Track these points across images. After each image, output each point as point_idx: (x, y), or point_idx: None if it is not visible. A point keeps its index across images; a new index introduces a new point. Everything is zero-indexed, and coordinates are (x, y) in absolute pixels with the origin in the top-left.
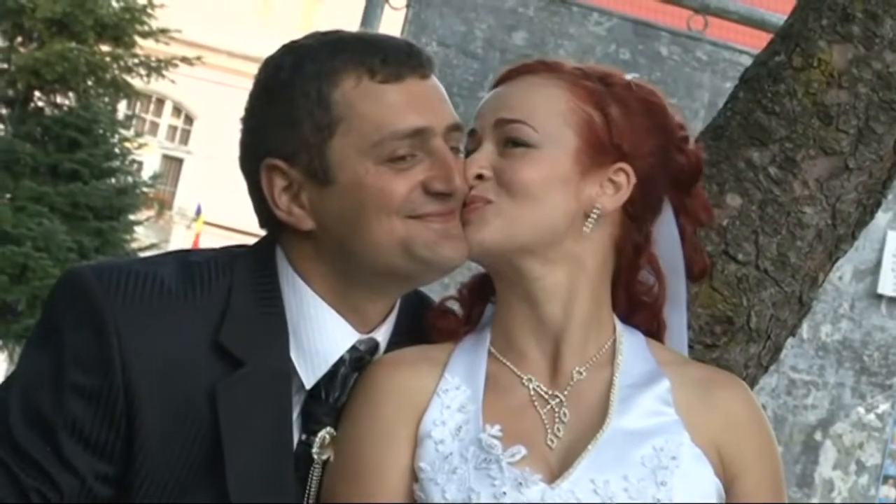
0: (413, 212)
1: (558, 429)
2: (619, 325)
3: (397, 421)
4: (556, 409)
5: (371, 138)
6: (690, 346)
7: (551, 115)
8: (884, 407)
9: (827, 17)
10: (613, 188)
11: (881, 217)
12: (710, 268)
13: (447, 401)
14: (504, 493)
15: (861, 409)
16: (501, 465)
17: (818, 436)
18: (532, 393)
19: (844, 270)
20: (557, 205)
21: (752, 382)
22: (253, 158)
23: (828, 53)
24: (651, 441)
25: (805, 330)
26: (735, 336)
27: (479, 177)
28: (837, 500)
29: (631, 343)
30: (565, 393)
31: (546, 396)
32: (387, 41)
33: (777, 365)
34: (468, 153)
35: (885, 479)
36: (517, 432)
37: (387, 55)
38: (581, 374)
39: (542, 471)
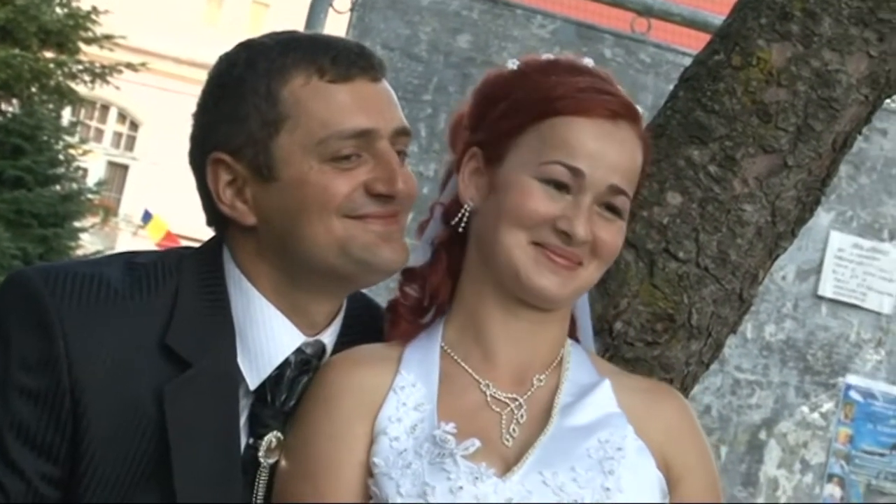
0: (353, 212)
1: (514, 429)
2: (567, 340)
3: (353, 418)
4: (515, 411)
5: (316, 136)
6: (631, 344)
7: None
8: (827, 406)
9: (766, 15)
10: None
11: (824, 217)
12: (651, 266)
13: (403, 398)
14: (461, 487)
15: (805, 409)
16: (456, 458)
17: (763, 435)
18: (489, 398)
19: (788, 270)
20: None
21: (694, 380)
22: (201, 152)
23: (767, 52)
24: (597, 434)
25: (749, 330)
26: (676, 333)
27: (584, 242)
28: (782, 499)
29: (575, 353)
30: (524, 397)
31: (505, 400)
32: (339, 42)
33: (721, 365)
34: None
35: (830, 477)
36: (472, 431)
37: (337, 55)
38: (541, 381)
39: (497, 465)
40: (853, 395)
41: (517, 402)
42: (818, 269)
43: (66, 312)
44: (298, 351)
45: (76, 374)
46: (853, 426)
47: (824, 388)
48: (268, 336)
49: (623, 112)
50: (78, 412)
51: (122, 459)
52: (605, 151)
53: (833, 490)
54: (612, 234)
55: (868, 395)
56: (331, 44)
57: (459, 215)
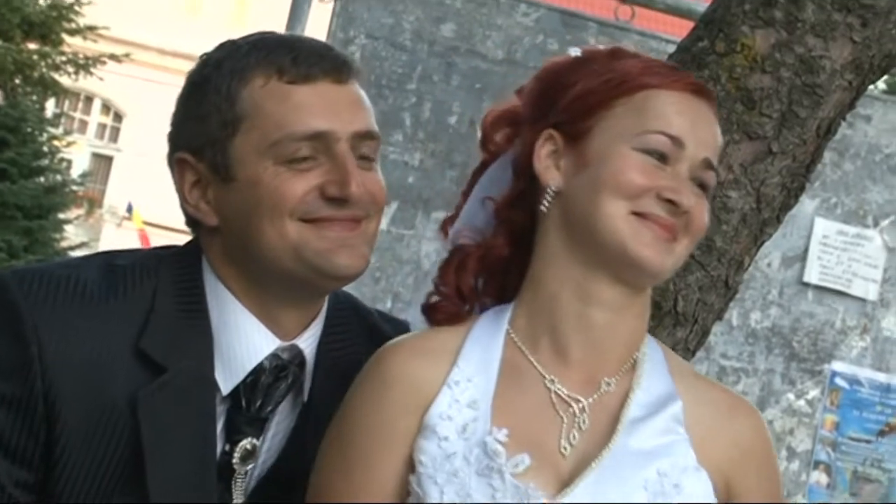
0: (307, 215)
1: (574, 435)
2: (647, 337)
3: (399, 413)
4: (578, 415)
5: (271, 137)
6: None
7: None
8: (813, 393)
9: (749, 2)
10: None
11: (808, 204)
12: None
13: (457, 394)
14: None
15: (791, 396)
16: (504, 475)
17: None
18: (553, 395)
19: (773, 258)
20: None
21: None
22: (171, 152)
23: (751, 38)
24: (656, 463)
25: (734, 317)
26: (662, 320)
27: (685, 212)
28: None
29: (652, 357)
30: (590, 400)
31: (568, 400)
32: (304, 43)
33: (707, 352)
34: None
35: (816, 464)
36: (528, 435)
37: (298, 56)
38: (609, 385)
39: (549, 479)
40: (839, 381)
41: (581, 405)
42: (803, 256)
43: (40, 316)
44: (273, 356)
45: (50, 380)
46: (839, 413)
47: (810, 375)
48: (241, 340)
49: (704, 90)
50: (51, 417)
51: (96, 464)
52: (697, 125)
53: (819, 477)
54: (703, 210)
55: (854, 381)
56: (294, 45)
57: (546, 199)
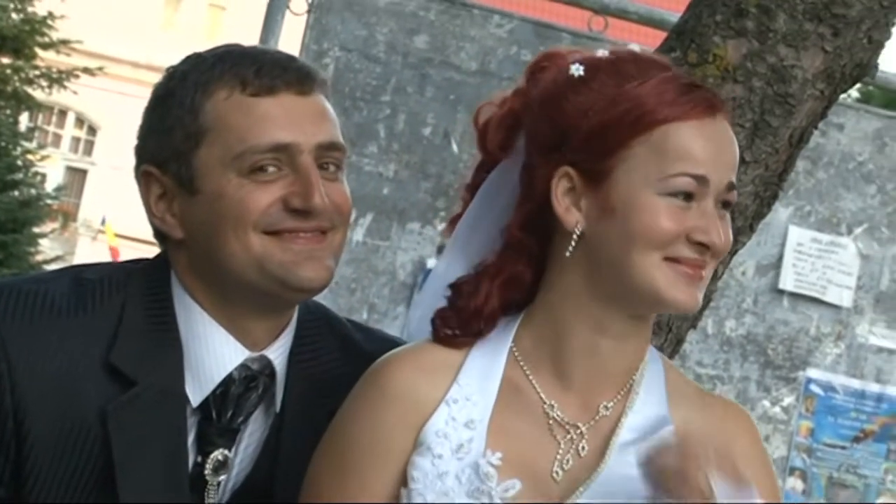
0: (270, 227)
1: (568, 460)
2: (649, 354)
3: (396, 429)
4: (575, 440)
5: (234, 150)
6: None
7: None
8: (788, 400)
9: (721, 12)
10: None
11: (782, 212)
12: None
13: (455, 412)
14: None
15: (766, 403)
16: (493, 500)
17: None
18: (551, 421)
19: (747, 266)
20: None
21: None
22: (137, 165)
23: (722, 48)
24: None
25: (709, 325)
26: None
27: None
28: None
29: (650, 378)
30: (587, 426)
31: (566, 426)
32: (267, 55)
33: (682, 360)
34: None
35: (792, 470)
36: (522, 459)
37: (261, 68)
38: (608, 409)
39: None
40: (814, 388)
41: (579, 431)
42: (777, 264)
43: (8, 332)
44: (243, 367)
45: (18, 396)
46: (814, 419)
47: (785, 382)
48: (209, 351)
49: (717, 103)
50: (21, 433)
51: (67, 478)
52: (718, 151)
53: (795, 483)
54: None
55: (828, 388)
56: (258, 57)
57: (572, 244)
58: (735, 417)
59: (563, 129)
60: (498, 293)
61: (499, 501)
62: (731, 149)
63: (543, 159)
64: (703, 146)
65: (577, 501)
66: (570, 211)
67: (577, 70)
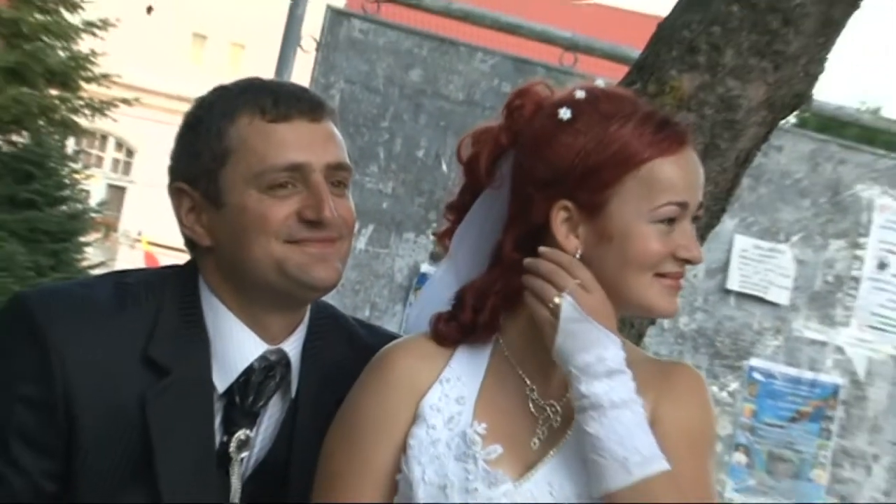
0: (290, 237)
1: (544, 432)
2: None
3: (400, 406)
4: (551, 417)
5: (255, 169)
6: None
7: None
8: (734, 385)
9: (676, 49)
10: None
11: (728, 222)
12: None
13: (447, 389)
14: (476, 488)
15: (715, 388)
16: (478, 461)
17: None
18: (531, 403)
19: (698, 269)
20: None
21: None
22: (170, 182)
23: (678, 81)
24: None
25: (666, 321)
26: None
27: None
28: None
29: None
30: (561, 403)
31: (544, 406)
32: (283, 87)
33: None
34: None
35: (737, 446)
36: (504, 429)
37: (278, 98)
38: None
39: (516, 467)
40: (756, 375)
41: (554, 408)
42: (725, 268)
43: (60, 331)
44: (262, 358)
45: (68, 385)
46: (756, 402)
47: (731, 370)
48: (233, 345)
49: (686, 135)
50: (71, 417)
51: (110, 457)
52: (693, 177)
53: (740, 458)
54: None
55: (769, 375)
56: (276, 89)
57: None
58: (681, 367)
59: (558, 168)
60: (497, 306)
61: (482, 463)
62: (699, 172)
63: (541, 193)
64: (682, 176)
65: (544, 467)
66: (569, 238)
67: (564, 114)
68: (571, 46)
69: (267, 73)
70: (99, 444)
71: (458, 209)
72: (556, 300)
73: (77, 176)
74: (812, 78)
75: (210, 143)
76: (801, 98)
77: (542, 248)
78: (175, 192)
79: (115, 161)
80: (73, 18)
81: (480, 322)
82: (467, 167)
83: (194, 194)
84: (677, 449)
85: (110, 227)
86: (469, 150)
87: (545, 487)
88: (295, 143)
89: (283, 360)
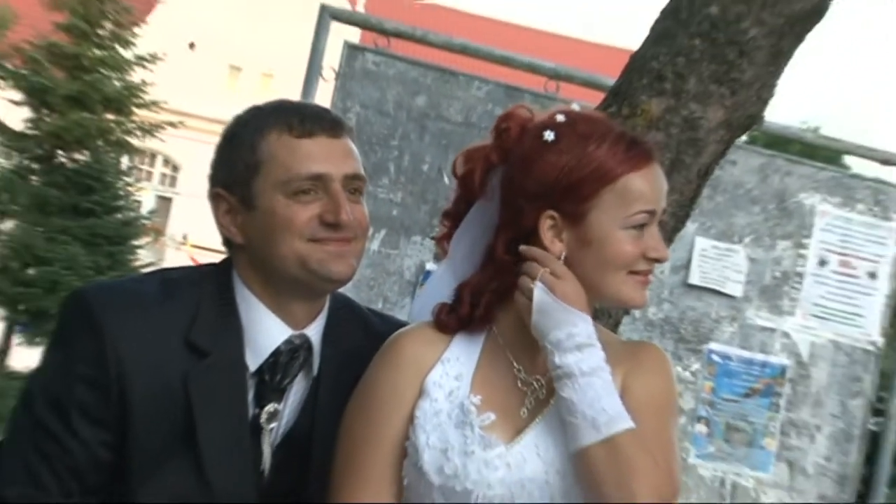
0: (312, 237)
1: (532, 402)
2: None
3: (407, 383)
4: (537, 390)
5: (282, 178)
6: None
7: None
8: (696, 366)
9: (646, 77)
10: None
11: (691, 226)
12: None
13: (448, 368)
14: (472, 451)
15: (679, 369)
16: (474, 428)
17: None
18: (519, 381)
19: (665, 267)
20: None
21: None
22: (210, 188)
23: (648, 104)
24: None
25: (637, 311)
26: None
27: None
28: None
29: None
30: (546, 377)
31: (531, 381)
32: (309, 108)
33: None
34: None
35: (698, 419)
36: (497, 401)
37: (304, 117)
38: None
39: (508, 432)
40: (714, 357)
41: (540, 382)
42: (687, 265)
43: (113, 320)
44: (288, 341)
45: (121, 368)
46: (715, 381)
47: (693, 353)
48: (263, 330)
49: (653, 152)
50: (123, 394)
51: (158, 429)
52: (659, 188)
53: (701, 428)
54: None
55: (725, 357)
56: (302, 109)
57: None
58: (647, 346)
59: (545, 183)
60: (491, 301)
61: (478, 429)
62: (664, 184)
63: (530, 204)
64: (651, 188)
65: (531, 432)
66: (554, 242)
67: (549, 136)
68: (555, 75)
69: (293, 98)
70: (148, 418)
71: (454, 217)
72: (530, 286)
73: (130, 188)
74: (764, 102)
75: (244, 154)
76: (754, 119)
77: (522, 247)
78: (214, 197)
79: (163, 175)
80: (127, 53)
81: (476, 316)
82: (462, 181)
83: (230, 199)
84: (644, 413)
85: (159, 233)
86: (463, 167)
87: (533, 449)
88: (317, 155)
89: (306, 343)
